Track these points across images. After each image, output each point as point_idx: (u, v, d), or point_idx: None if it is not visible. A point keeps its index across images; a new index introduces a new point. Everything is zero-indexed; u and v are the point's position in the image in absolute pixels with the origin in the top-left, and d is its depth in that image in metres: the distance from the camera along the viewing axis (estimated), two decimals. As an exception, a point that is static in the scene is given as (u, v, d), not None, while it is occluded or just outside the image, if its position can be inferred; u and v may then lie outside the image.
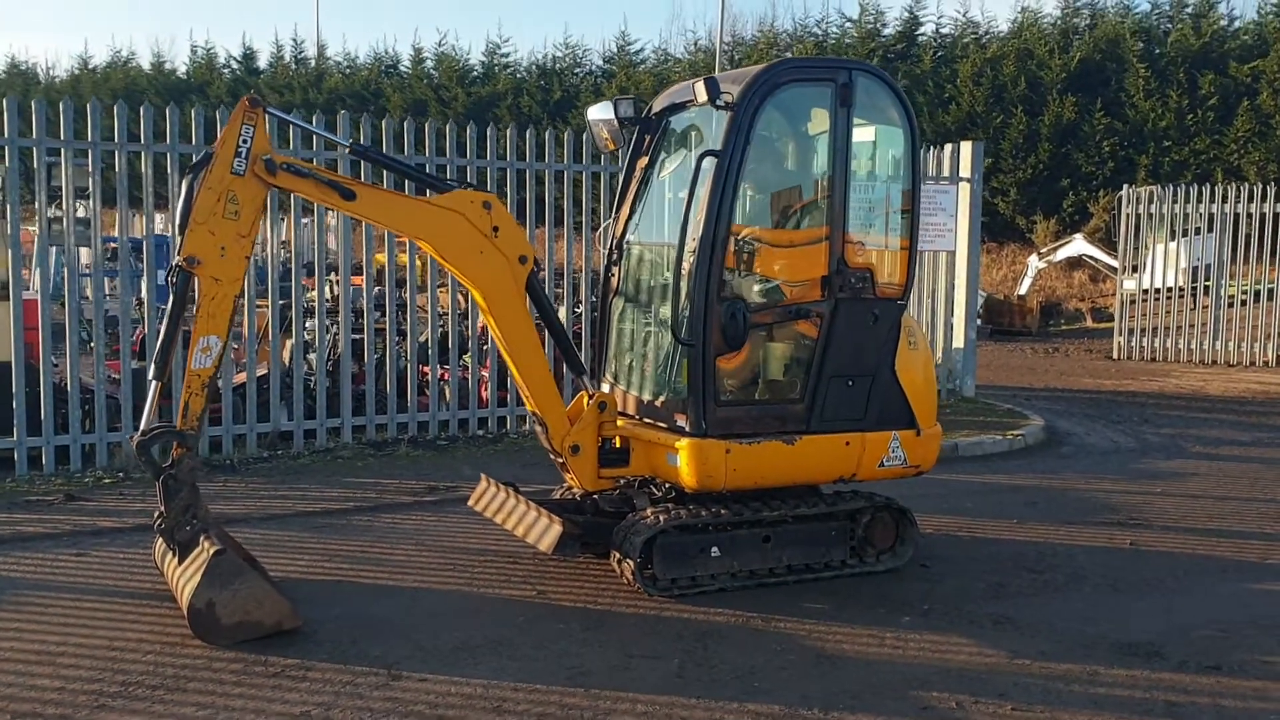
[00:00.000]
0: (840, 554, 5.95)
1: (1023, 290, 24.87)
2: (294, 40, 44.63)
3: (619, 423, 5.93)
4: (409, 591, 5.67)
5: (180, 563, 5.12)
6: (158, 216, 17.98)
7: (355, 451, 9.09)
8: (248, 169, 5.19)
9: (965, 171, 12.31)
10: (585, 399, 5.89)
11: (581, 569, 6.00)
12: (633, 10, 75.35)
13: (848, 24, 34.15)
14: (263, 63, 42.46)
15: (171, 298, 5.19)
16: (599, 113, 6.22)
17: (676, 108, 6.14)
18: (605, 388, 6.29)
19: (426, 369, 9.89)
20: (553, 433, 5.79)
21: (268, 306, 9.58)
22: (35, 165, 8.24)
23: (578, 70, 37.06)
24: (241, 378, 9.26)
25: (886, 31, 33.08)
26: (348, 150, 6.82)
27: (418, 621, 5.20)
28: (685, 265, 5.57)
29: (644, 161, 6.29)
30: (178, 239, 5.17)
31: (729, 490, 5.66)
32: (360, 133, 9.33)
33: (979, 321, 18.68)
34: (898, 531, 6.08)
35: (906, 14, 32.95)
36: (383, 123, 9.48)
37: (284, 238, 17.63)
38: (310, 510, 7.30)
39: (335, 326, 9.89)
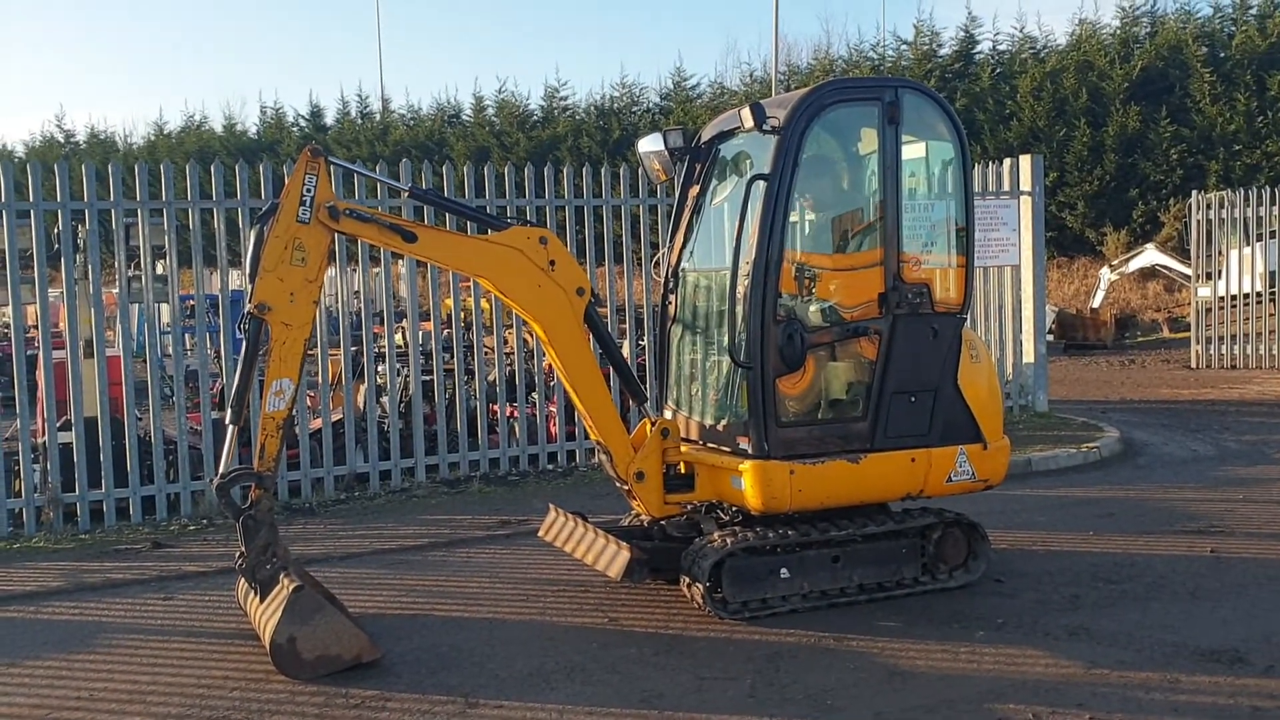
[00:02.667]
0: (911, 571, 5.92)
1: (1095, 303, 24.45)
2: (359, 95, 45.60)
3: (683, 448, 5.99)
4: (484, 623, 5.76)
5: (262, 601, 5.27)
6: (233, 273, 18.46)
7: (429, 490, 9.25)
8: (312, 217, 5.37)
9: (1026, 185, 12.22)
10: (648, 426, 5.96)
11: (652, 595, 6.04)
12: (687, 46, 76.10)
13: (903, 46, 34.10)
14: (329, 119, 43.55)
15: (244, 345, 5.38)
16: (649, 144, 6.32)
17: (725, 135, 6.23)
18: (668, 414, 6.35)
19: (496, 407, 10.04)
20: (617, 461, 5.86)
21: (341, 353, 9.82)
22: (114, 226, 8.60)
23: (635, 109, 37.43)
24: (317, 423, 9.51)
25: (943, 51, 32.96)
26: (406, 194, 7.01)
27: (493, 651, 5.28)
28: (740, 289, 5.64)
29: (695, 190, 6.38)
30: (249, 288, 5.36)
31: (795, 511, 5.68)
32: (421, 180, 9.60)
33: (1050, 337, 18.43)
34: (969, 547, 6.03)
35: (962, 33, 32.85)
36: (443, 169, 9.71)
37: (355, 288, 17.99)
38: (387, 548, 7.45)
39: (405, 370, 10.09)
